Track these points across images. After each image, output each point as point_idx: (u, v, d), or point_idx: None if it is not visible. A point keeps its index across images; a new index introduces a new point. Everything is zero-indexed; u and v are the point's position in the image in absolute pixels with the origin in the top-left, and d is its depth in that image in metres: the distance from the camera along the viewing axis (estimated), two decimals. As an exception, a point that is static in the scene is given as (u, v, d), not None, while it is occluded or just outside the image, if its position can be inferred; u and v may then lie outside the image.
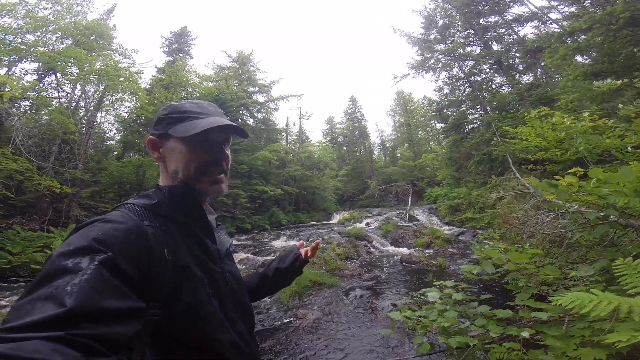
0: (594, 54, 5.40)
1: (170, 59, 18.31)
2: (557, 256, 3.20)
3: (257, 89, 22.01)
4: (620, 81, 4.21)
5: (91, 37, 10.85)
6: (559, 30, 7.20)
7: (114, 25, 13.31)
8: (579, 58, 6.72)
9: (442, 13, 14.25)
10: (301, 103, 76.40)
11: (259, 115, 21.96)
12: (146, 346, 0.63)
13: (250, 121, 21.40)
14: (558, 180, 2.18)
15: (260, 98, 22.05)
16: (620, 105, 3.63)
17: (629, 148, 2.87)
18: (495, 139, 8.70)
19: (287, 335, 3.98)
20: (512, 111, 11.12)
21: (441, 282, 2.45)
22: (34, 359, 0.37)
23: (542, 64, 10.59)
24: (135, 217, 0.66)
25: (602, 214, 2.08)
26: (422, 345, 1.83)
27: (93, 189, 10.92)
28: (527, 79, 12.99)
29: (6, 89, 7.72)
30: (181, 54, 18.81)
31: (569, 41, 5.72)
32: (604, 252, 2.40)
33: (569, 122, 4.05)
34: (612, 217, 2.08)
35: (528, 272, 2.10)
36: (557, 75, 9.72)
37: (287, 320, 4.42)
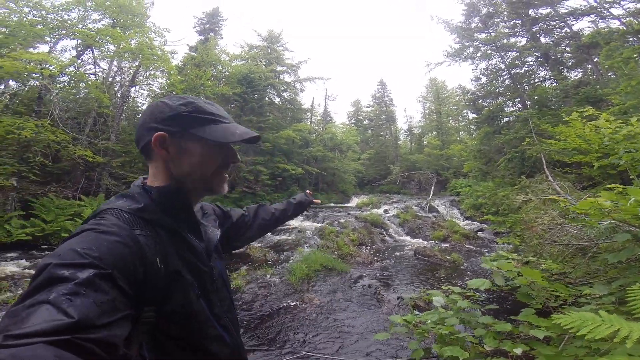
0: None
1: (202, 37, 18.59)
2: (576, 266, 3.04)
3: (284, 68, 21.91)
4: None
5: (127, 15, 11.08)
6: (622, 28, 6.46)
7: (152, 2, 13.48)
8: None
9: (487, 1, 13.31)
10: (327, 85, 75.13)
11: (286, 95, 21.90)
12: (142, 341, 0.66)
13: (277, 100, 21.44)
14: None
15: (287, 78, 22.00)
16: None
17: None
18: (529, 138, 8.13)
19: (291, 318, 4.12)
20: (553, 108, 10.34)
21: (448, 287, 2.41)
22: None
23: (595, 60, 9.61)
24: (126, 225, 0.65)
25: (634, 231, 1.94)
26: (416, 351, 1.84)
27: (124, 159, 11.44)
28: (574, 75, 11.96)
29: (46, 66, 8.11)
30: (212, 34, 19.02)
31: (630, 39, 5.11)
32: (627, 270, 2.26)
33: (614, 126, 3.70)
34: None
35: (538, 287, 2.03)
36: (610, 74, 8.81)
37: (294, 303, 4.55)
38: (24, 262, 6.14)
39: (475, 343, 1.78)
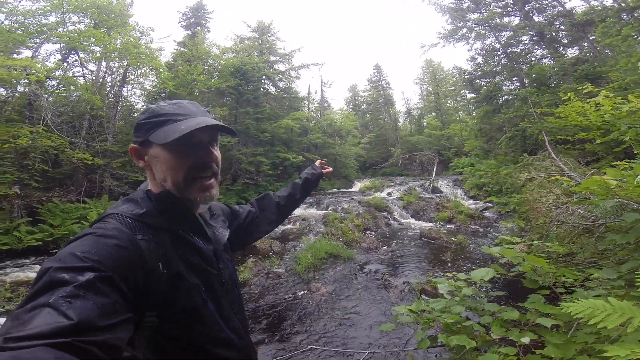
0: None
1: (189, 32, 18.31)
2: (583, 247, 3.03)
3: (278, 58, 21.62)
4: None
5: (111, 16, 10.88)
6: (615, 5, 6.26)
7: (132, 0, 13.19)
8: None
9: (476, -19, 12.92)
10: (323, 71, 73.85)
11: (281, 84, 21.64)
12: (144, 346, 0.67)
13: (273, 90, 21.19)
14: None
15: (281, 67, 21.69)
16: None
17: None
18: (528, 118, 8.05)
19: (299, 308, 4.18)
20: (552, 86, 10.16)
21: (454, 273, 2.41)
22: None
23: (591, 38, 9.40)
24: (127, 230, 0.66)
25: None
26: (422, 340, 1.85)
27: (123, 159, 11.39)
28: (571, 52, 11.76)
29: (32, 72, 8.00)
30: (199, 28, 18.71)
31: (625, 16, 4.95)
32: (635, 252, 2.23)
33: (614, 103, 3.62)
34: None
35: (544, 272, 2.01)
36: (607, 51, 8.62)
37: (302, 292, 4.62)
38: (38, 267, 6.22)
39: (482, 332, 1.79)
